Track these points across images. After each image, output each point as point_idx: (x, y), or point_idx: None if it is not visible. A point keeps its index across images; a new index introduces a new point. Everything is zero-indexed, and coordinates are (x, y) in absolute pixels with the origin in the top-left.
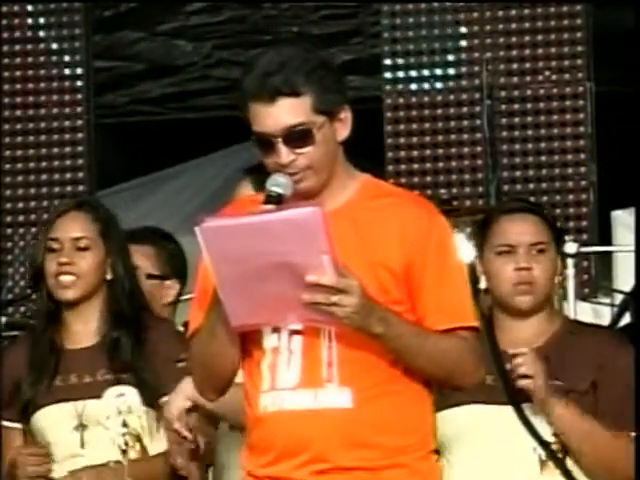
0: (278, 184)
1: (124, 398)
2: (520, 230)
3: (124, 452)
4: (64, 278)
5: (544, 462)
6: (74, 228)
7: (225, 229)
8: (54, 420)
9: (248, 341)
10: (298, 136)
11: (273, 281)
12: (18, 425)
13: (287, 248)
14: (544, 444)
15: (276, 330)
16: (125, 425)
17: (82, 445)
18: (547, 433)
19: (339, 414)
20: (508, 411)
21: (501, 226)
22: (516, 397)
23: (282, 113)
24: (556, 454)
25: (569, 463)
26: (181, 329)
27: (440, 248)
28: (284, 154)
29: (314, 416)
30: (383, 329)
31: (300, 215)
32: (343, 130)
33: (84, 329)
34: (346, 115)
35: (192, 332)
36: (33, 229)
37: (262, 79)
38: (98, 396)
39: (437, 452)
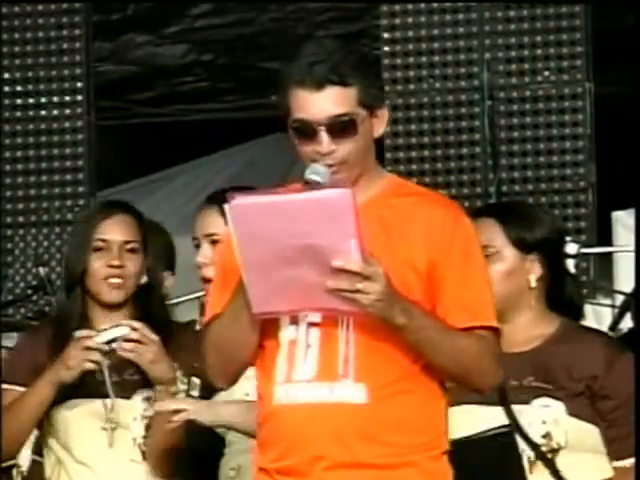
0: (318, 172)
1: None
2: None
3: (144, 454)
4: (114, 280)
5: (533, 462)
6: (124, 231)
7: (255, 207)
8: (80, 415)
9: (263, 334)
10: (343, 126)
11: (297, 266)
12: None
13: (315, 230)
14: (533, 445)
15: (294, 322)
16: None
17: (110, 445)
18: (536, 434)
19: (354, 409)
20: (498, 412)
21: None
22: (506, 399)
23: (329, 101)
24: (545, 455)
25: (558, 463)
26: None
27: (464, 248)
28: (326, 143)
29: (328, 410)
30: (405, 320)
31: (330, 195)
32: (379, 127)
33: None
34: (383, 113)
35: (212, 316)
36: (33, 230)
37: (310, 66)
38: (127, 396)
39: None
